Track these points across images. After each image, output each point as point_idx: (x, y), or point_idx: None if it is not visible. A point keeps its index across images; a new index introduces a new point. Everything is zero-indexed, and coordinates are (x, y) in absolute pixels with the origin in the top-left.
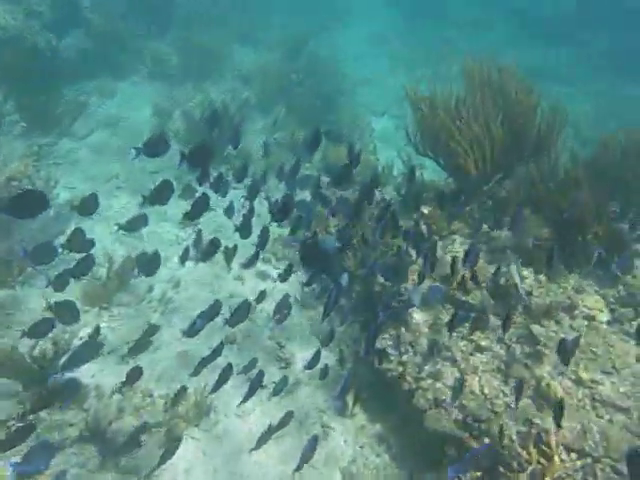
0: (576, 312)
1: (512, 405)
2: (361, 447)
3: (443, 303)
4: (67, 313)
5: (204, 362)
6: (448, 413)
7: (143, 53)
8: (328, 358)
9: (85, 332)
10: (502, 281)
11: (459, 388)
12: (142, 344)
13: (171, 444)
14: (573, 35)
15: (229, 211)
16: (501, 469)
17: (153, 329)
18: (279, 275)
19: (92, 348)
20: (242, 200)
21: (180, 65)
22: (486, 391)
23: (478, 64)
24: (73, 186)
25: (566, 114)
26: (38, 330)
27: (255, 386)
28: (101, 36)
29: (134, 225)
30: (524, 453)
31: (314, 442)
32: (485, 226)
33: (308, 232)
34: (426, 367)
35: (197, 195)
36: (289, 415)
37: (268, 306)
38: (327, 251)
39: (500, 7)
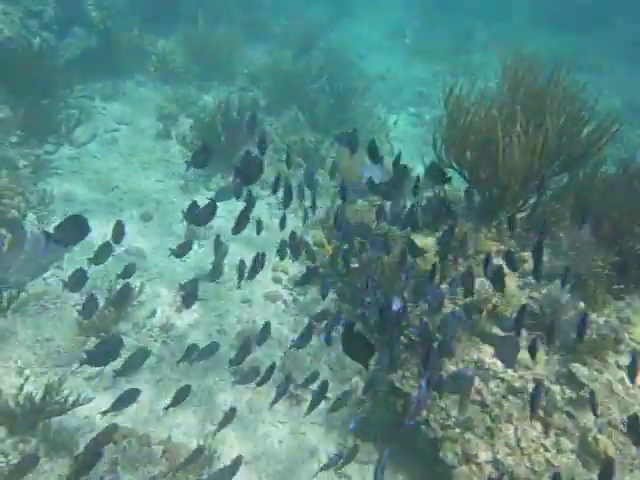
0: (622, 347)
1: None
2: None
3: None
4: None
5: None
6: (481, 470)
7: (148, 52)
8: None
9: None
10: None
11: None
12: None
13: None
14: (603, 21)
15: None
16: None
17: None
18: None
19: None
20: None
21: (186, 64)
22: (523, 444)
23: (520, 64)
24: (71, 199)
25: (620, 123)
26: None
27: None
28: (104, 34)
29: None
30: None
31: None
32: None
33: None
34: (453, 412)
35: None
36: None
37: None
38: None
39: None
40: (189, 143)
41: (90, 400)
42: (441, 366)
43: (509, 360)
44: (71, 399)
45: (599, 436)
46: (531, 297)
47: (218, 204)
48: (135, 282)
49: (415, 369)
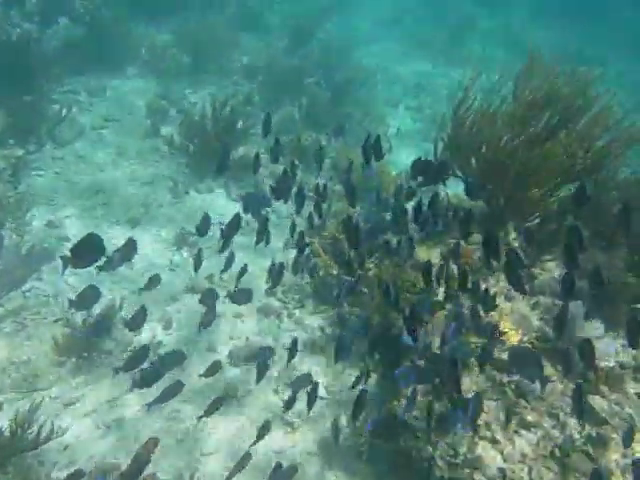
0: None
1: None
2: None
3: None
4: None
5: None
6: None
7: (137, 43)
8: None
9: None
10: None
11: None
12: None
13: None
14: (608, 11)
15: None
16: None
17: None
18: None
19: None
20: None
21: (178, 57)
22: None
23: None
24: (54, 203)
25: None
26: None
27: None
28: (91, 25)
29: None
30: None
31: None
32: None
33: None
34: (461, 449)
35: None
36: None
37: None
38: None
39: None
40: (178, 144)
41: (64, 432)
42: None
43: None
44: (45, 431)
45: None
46: (542, 318)
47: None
48: (117, 294)
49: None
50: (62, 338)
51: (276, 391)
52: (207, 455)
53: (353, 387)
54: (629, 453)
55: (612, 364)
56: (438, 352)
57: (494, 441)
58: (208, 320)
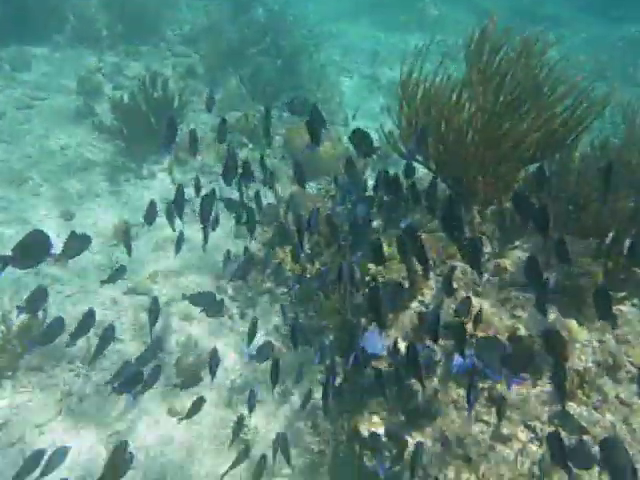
0: (621, 374)
1: None
2: None
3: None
4: None
5: None
6: None
7: (65, 10)
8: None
9: None
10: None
11: None
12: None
13: None
14: None
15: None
16: None
17: None
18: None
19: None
20: None
21: (111, 24)
22: None
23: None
24: None
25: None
26: None
27: None
28: None
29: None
30: None
31: None
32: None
33: None
34: (433, 472)
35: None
36: None
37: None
38: None
39: None
40: (111, 127)
41: None
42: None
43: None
44: None
45: None
46: (514, 315)
47: None
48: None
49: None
50: None
51: None
52: None
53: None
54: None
55: (589, 364)
56: None
57: (467, 459)
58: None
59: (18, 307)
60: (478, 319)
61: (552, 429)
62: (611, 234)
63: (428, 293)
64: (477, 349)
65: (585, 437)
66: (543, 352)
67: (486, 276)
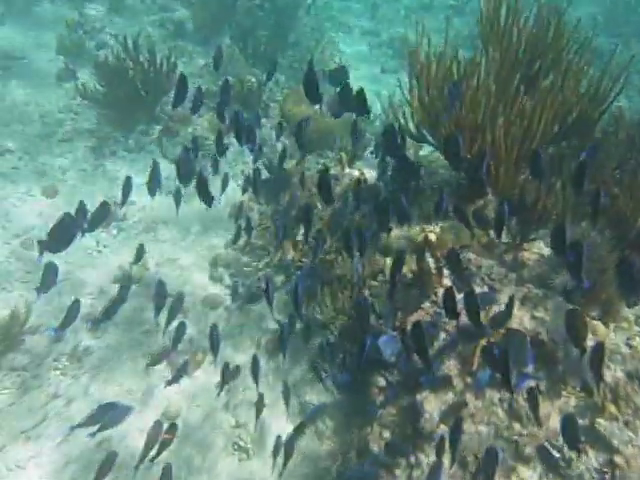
0: None
1: None
2: None
3: None
4: None
5: None
6: None
7: None
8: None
9: None
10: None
11: None
12: None
13: None
14: None
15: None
16: None
17: None
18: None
19: None
20: None
21: None
22: None
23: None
24: None
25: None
26: None
27: None
28: None
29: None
30: None
31: None
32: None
33: None
34: None
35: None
36: None
37: None
38: None
39: None
40: (95, 93)
41: None
42: None
43: None
44: None
45: None
46: (534, 317)
47: None
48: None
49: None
50: None
51: None
52: None
53: None
54: None
55: (619, 374)
56: None
57: None
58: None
59: (37, 289)
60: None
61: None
62: None
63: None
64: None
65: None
66: (566, 359)
67: (503, 271)
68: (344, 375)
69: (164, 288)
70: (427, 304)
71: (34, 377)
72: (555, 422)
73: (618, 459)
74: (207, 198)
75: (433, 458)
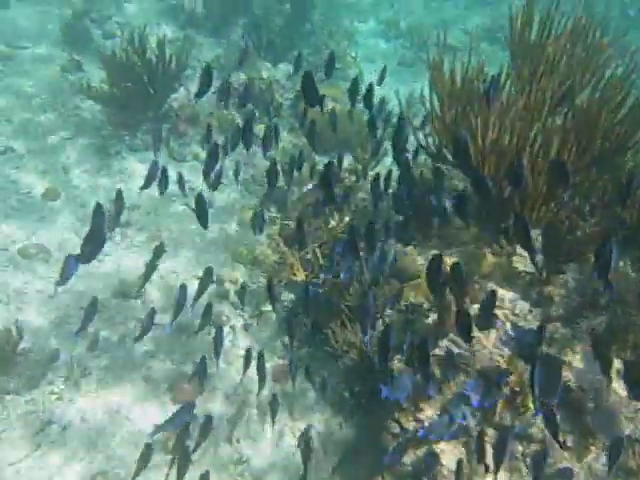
0: None
1: None
2: None
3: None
4: None
5: None
6: None
7: None
8: None
9: None
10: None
11: None
12: None
13: None
14: None
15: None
16: None
17: None
18: None
19: None
20: None
21: None
22: None
23: None
24: None
25: None
26: None
27: None
28: None
29: None
30: None
31: None
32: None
33: None
34: None
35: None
36: None
37: None
38: None
39: None
40: (100, 90)
41: None
42: None
43: None
44: None
45: None
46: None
47: None
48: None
49: None
50: None
51: None
52: None
53: None
54: None
55: None
56: None
57: None
58: None
59: (57, 282)
60: None
61: None
62: None
63: None
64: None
65: None
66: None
67: (527, 306)
68: None
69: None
70: (445, 342)
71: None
72: None
73: None
74: (204, 219)
75: None
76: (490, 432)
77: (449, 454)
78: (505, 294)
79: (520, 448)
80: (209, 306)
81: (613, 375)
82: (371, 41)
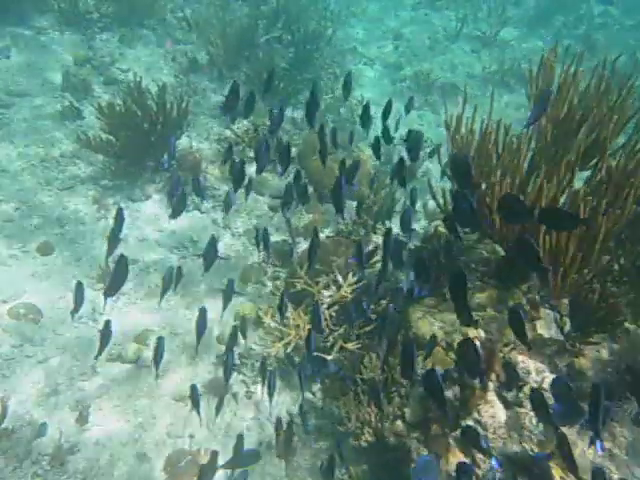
0: None
1: None
2: None
3: None
4: None
5: None
6: None
7: None
8: None
9: None
10: None
11: None
12: None
13: None
14: None
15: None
16: None
17: None
18: None
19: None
20: None
21: (101, 4)
22: None
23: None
24: None
25: None
26: None
27: None
28: None
29: None
30: None
31: None
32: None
33: None
34: None
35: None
36: None
37: None
38: None
39: None
40: (98, 142)
41: None
42: None
43: None
44: None
45: None
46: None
47: None
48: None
49: None
50: None
51: None
52: None
53: None
54: None
55: None
56: None
57: None
58: None
59: (72, 312)
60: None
61: None
62: None
63: (487, 410)
64: None
65: None
66: None
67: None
68: None
69: None
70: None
71: None
72: None
73: None
74: (209, 260)
75: None
76: None
77: None
78: (531, 364)
79: None
80: None
81: None
82: (376, 84)
